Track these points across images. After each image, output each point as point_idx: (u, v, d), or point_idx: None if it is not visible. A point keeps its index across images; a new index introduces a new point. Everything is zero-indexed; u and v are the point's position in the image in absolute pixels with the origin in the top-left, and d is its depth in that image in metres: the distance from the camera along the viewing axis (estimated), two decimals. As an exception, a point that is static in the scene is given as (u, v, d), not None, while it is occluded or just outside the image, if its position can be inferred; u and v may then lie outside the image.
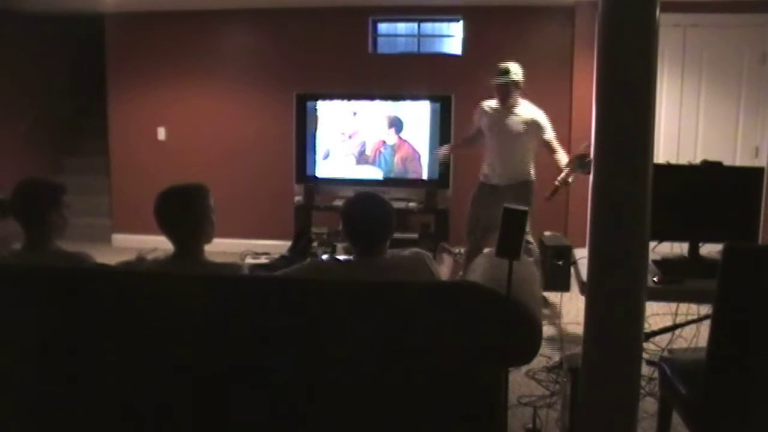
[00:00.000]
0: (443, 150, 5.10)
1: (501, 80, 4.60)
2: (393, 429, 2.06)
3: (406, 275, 2.36)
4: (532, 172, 4.78)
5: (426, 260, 2.46)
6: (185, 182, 2.46)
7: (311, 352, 2.03)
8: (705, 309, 3.50)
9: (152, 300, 2.10)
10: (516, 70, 4.61)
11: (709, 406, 2.13)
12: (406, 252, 2.51)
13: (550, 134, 4.70)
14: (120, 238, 6.73)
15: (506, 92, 4.63)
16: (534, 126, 4.66)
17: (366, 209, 2.45)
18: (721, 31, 5.64)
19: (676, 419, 2.45)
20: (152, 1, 6.17)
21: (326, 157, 5.53)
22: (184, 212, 2.37)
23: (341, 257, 2.75)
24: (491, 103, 4.78)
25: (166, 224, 2.38)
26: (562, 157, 4.60)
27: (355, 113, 5.48)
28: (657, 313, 4.05)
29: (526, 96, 4.76)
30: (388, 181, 5.42)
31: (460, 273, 3.63)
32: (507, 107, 4.68)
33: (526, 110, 4.69)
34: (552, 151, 4.69)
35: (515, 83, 4.61)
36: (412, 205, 5.32)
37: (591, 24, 5.52)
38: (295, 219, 5.47)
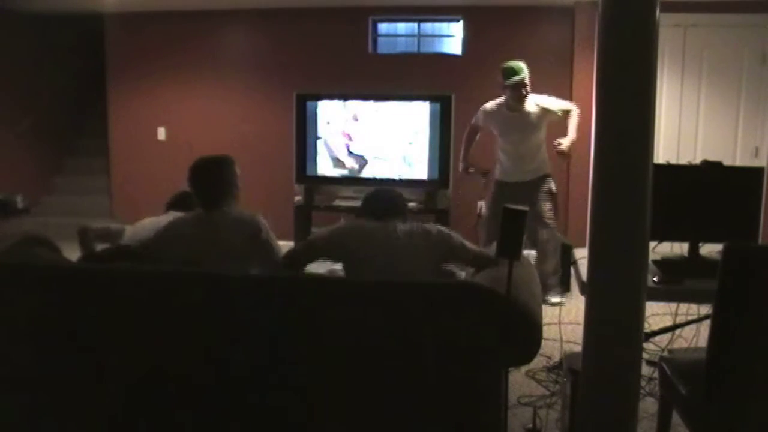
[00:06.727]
0: (462, 170, 5.08)
1: (517, 78, 4.59)
2: (393, 428, 2.06)
3: (425, 245, 2.66)
4: (549, 162, 4.86)
5: (450, 239, 2.73)
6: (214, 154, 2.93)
7: (311, 352, 2.03)
8: (705, 309, 3.49)
9: (152, 300, 2.10)
10: (524, 68, 4.64)
11: (709, 406, 2.13)
12: (433, 231, 2.73)
13: (562, 105, 4.79)
14: (120, 238, 6.72)
15: (523, 89, 4.64)
16: (544, 113, 4.71)
17: (380, 191, 3.05)
18: (721, 31, 5.64)
19: (676, 419, 2.45)
20: (152, 1, 6.17)
21: (328, 154, 5.52)
22: (215, 175, 2.82)
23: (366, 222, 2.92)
24: (499, 102, 4.79)
25: (199, 186, 2.80)
26: (572, 127, 4.72)
27: (355, 113, 5.47)
28: (657, 313, 4.04)
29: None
30: (389, 181, 5.40)
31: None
32: (521, 104, 4.69)
33: (535, 102, 4.73)
34: (567, 115, 4.77)
35: (526, 80, 4.65)
36: (412, 205, 5.30)
37: (591, 24, 5.53)
38: (295, 219, 5.47)
